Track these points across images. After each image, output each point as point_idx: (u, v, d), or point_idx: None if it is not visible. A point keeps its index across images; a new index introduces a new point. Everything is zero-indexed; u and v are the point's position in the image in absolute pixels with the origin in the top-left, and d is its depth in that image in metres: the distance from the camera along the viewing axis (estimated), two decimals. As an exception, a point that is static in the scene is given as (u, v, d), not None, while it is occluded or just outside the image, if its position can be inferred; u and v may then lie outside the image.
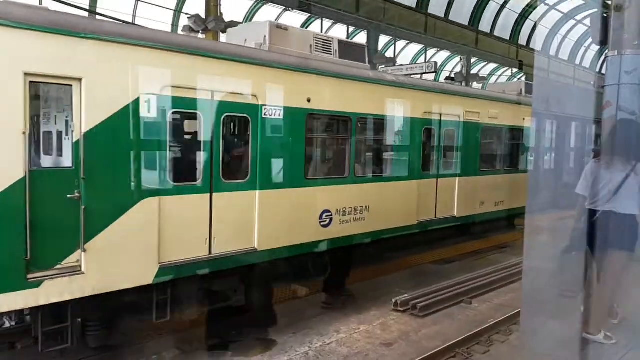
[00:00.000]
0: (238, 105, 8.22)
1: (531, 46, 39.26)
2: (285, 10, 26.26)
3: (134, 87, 6.91)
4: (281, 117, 8.73)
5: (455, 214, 13.12)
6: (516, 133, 15.78)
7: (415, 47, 35.54)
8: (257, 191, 8.42)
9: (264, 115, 8.44)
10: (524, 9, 37.33)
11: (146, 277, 7.13)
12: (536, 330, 7.62)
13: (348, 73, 10.18)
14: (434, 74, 25.20)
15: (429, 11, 30.60)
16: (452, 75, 29.87)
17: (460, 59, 34.70)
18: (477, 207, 13.99)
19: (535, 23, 38.58)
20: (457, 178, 13.15)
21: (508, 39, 37.91)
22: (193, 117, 7.87)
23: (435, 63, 22.69)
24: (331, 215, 9.71)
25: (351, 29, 29.10)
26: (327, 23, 28.72)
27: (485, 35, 35.36)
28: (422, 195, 11.90)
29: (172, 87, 7.34)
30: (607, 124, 8.72)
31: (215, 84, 7.84)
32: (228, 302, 8.75)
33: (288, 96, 8.90)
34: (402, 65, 25.14)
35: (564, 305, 7.79)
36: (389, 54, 30.49)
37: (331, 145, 10.67)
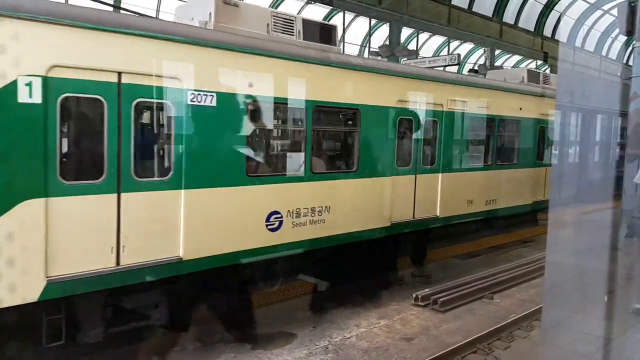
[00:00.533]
0: (155, 89, 6.97)
1: (556, 37, 38.59)
2: (307, 3, 26.20)
3: (9, 67, 5.80)
4: (214, 104, 7.53)
5: (438, 214, 11.71)
6: (513, 124, 14.36)
7: (438, 39, 35.22)
8: (183, 191, 7.24)
9: (191, 101, 7.26)
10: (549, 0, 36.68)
11: (29, 293, 6.02)
12: (558, 325, 7.54)
13: (302, 55, 8.86)
14: (457, 66, 24.97)
15: (452, 2, 30.24)
16: (476, 68, 29.55)
17: (484, 51, 34.35)
18: (465, 206, 12.52)
19: (561, 14, 37.89)
20: (440, 174, 11.72)
21: (532, 30, 37.32)
22: (93, 102, 6.57)
23: (459, 55, 22.49)
24: (281, 217, 8.52)
25: (373, 21, 28.93)
26: (349, 16, 28.58)
27: (510, 27, 34.84)
28: (397, 194, 10.61)
29: (64, 67, 6.16)
30: (634, 116, 8.58)
31: (123, 64, 6.65)
32: (147, 321, 7.63)
33: (223, 80, 7.71)
34: (424, 57, 24.98)
35: (587, 299, 7.70)
36: (412, 46, 30.31)
37: (281, 138, 9.49)
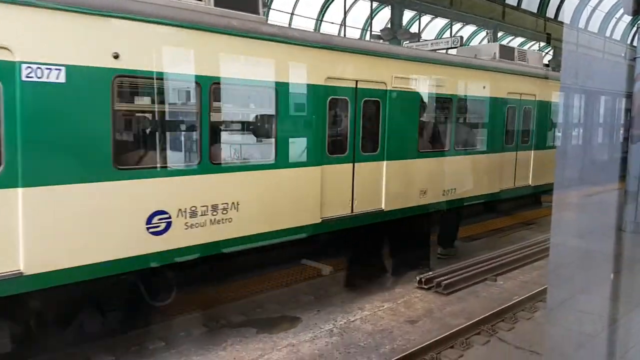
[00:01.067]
0: None
1: (559, 19, 38.27)
2: (307, -14, 26.00)
3: None
4: (62, 80, 6.11)
5: (383, 207, 10.28)
6: (475, 105, 12.75)
7: (440, 22, 34.97)
8: (20, 189, 5.87)
9: (27, 77, 5.86)
10: (552, -20, 36.35)
11: None
12: (563, 305, 7.56)
13: (191, 20, 7.22)
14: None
15: (454, -16, 29.98)
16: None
17: (487, 33, 34.07)
18: (417, 197, 11.01)
19: (564, -6, 37.54)
20: (385, 162, 10.20)
21: (535, 11, 37.01)
22: None
23: (461, 37, 22.30)
24: (169, 217, 7.09)
25: (375, 4, 28.72)
26: (350, -1, 28.40)
27: (512, 8, 34.56)
28: (329, 186, 9.16)
29: None
30: (639, 96, 8.53)
31: None
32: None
33: (76, 50, 6.23)
34: (426, 40, 24.81)
35: (592, 280, 7.71)
36: (414, 29, 30.10)
37: (164, 122, 7.89)
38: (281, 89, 8.38)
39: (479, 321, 8.20)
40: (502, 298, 9.50)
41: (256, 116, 8.96)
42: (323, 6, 29.19)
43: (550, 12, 38.08)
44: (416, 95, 10.86)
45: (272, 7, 26.28)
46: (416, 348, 7.22)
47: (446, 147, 11.88)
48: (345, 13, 27.95)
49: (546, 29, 36.57)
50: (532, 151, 14.52)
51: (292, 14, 27.85)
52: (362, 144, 9.80)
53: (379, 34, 26.62)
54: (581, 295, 7.75)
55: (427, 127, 11.74)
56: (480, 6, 31.76)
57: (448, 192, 11.77)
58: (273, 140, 8.42)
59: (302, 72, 8.74)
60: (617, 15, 40.27)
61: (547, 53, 38.43)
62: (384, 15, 29.98)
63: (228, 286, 9.50)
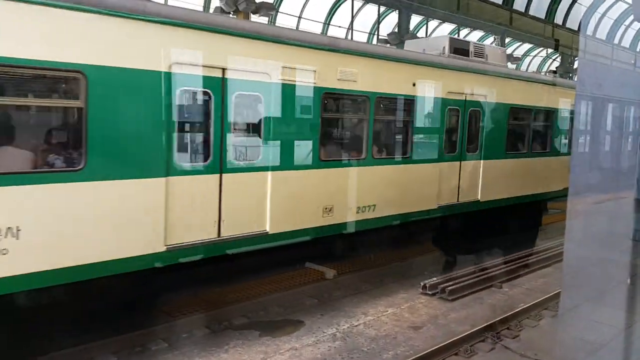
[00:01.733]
0: None
1: (568, 25, 38.21)
2: (315, -10, 26.02)
3: None
4: None
5: (269, 228, 8.33)
6: (403, 105, 10.59)
7: (447, 27, 34.92)
8: None
9: None
10: (561, -13, 36.31)
11: None
12: (576, 314, 7.49)
13: None
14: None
15: (463, -11, 29.96)
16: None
17: (494, 39, 34.04)
18: (319, 217, 9.11)
19: (573, 1, 37.46)
20: (270, 173, 8.26)
21: (544, 17, 36.96)
22: None
23: (469, 43, 22.24)
24: None
25: (382, 8, 28.72)
26: (358, 3, 28.38)
27: (520, 14, 34.50)
28: (180, 203, 7.19)
29: None
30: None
31: None
32: None
33: None
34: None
35: (602, 288, 7.65)
36: (421, 34, 30.08)
37: None
38: (95, 76, 6.26)
39: (483, 328, 8.15)
40: (507, 305, 9.44)
41: (54, 111, 6.66)
42: (331, 10, 29.21)
43: (559, 19, 38.02)
44: (317, 91, 8.84)
45: (280, 10, 26.29)
46: (420, 354, 7.16)
47: (362, 154, 9.87)
48: (353, 17, 27.92)
49: (554, 35, 36.50)
50: (482, 161, 12.45)
51: (300, 17, 27.86)
52: (236, 150, 8.01)
53: (386, 38, 26.61)
54: (592, 304, 7.68)
55: (334, 130, 9.90)
56: (488, 12, 31.72)
57: (365, 209, 9.88)
58: (82, 143, 6.27)
59: (133, 56, 6.64)
60: (626, 23, 40.19)
61: (554, 59, 38.35)
62: (392, 20, 29.97)
63: (231, 288, 9.48)
